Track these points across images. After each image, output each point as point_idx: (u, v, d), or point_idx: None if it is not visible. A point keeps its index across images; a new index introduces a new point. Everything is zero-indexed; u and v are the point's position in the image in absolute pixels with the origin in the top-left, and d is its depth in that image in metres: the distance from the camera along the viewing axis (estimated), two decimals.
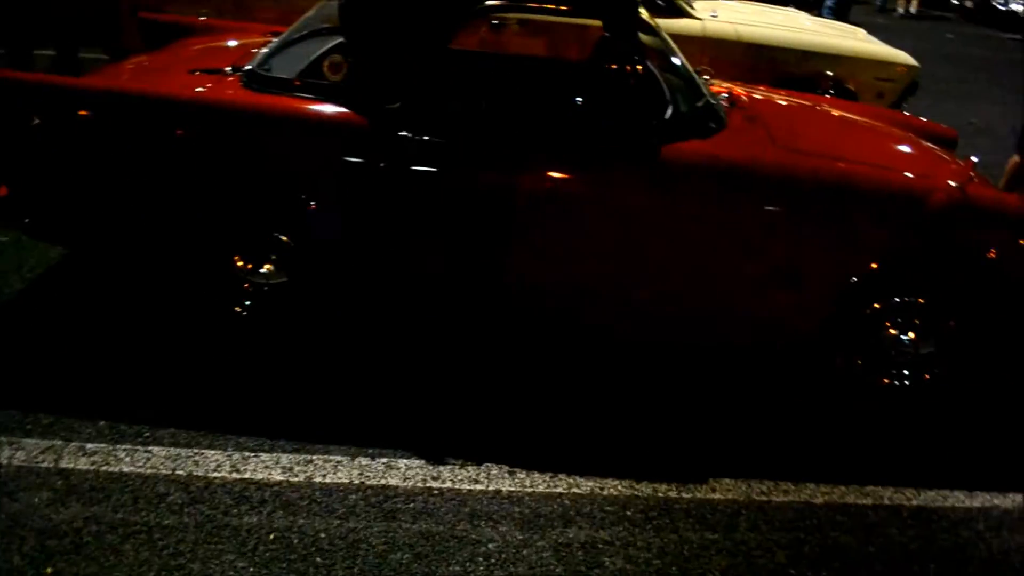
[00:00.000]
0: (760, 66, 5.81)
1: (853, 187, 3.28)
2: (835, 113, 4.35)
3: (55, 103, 3.25)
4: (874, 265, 3.30)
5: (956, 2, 18.68)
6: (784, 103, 4.31)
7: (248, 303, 3.44)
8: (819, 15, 10.62)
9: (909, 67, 6.15)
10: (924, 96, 6.49)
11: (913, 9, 16.65)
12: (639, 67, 3.30)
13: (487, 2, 3.37)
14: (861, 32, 7.11)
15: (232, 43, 4.18)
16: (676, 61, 3.73)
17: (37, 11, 5.75)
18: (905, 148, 3.97)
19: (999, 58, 13.57)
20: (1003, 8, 17.12)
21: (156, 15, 4.74)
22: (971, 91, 10.52)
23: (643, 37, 3.44)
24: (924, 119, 4.67)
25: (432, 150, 3.19)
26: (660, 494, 2.90)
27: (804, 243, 3.29)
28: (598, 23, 3.97)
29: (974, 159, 3.57)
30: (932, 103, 8.06)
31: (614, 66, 3.55)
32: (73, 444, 2.87)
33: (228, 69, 3.56)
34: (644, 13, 3.59)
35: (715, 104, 3.62)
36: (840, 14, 11.05)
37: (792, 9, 8.37)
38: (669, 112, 3.35)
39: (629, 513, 2.80)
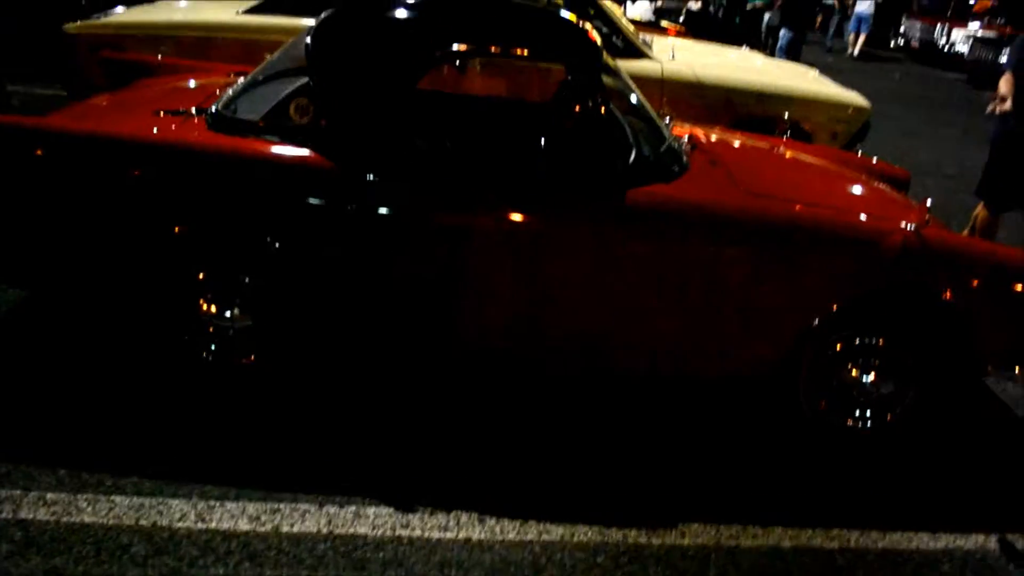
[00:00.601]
0: (718, 107, 5.89)
1: (813, 230, 3.34)
2: (793, 155, 4.43)
3: (20, 144, 3.18)
4: (834, 307, 3.35)
5: (902, 43, 19.25)
6: (744, 146, 4.39)
7: (213, 347, 3.39)
8: (771, 55, 10.91)
9: (862, 108, 6.29)
10: (874, 134, 6.65)
11: (856, 52, 17.12)
12: (602, 110, 3.33)
13: (452, 46, 3.40)
14: (813, 73, 7.26)
15: (196, 83, 4.16)
16: (638, 104, 3.79)
17: None
18: (862, 190, 4.06)
19: (944, 98, 14.00)
20: (946, 52, 17.68)
21: (119, 54, 4.72)
22: (920, 130, 10.80)
23: (605, 79, 3.47)
24: (876, 159, 4.77)
25: (396, 192, 3.20)
26: (630, 540, 2.90)
27: (766, 286, 3.33)
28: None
29: (928, 201, 3.65)
30: (882, 143, 8.27)
31: (577, 109, 3.59)
32: (33, 494, 2.80)
33: (193, 110, 3.53)
34: (605, 56, 3.63)
35: (677, 148, 3.68)
36: (792, 54, 11.31)
37: (745, 49, 8.55)
38: (632, 156, 3.39)
39: (600, 560, 2.80)
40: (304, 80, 3.35)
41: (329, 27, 3.45)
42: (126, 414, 3.26)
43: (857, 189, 4.07)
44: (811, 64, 8.67)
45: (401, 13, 3.52)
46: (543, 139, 3.96)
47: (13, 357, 3.60)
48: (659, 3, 13.36)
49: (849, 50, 17.27)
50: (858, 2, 17.15)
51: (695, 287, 3.32)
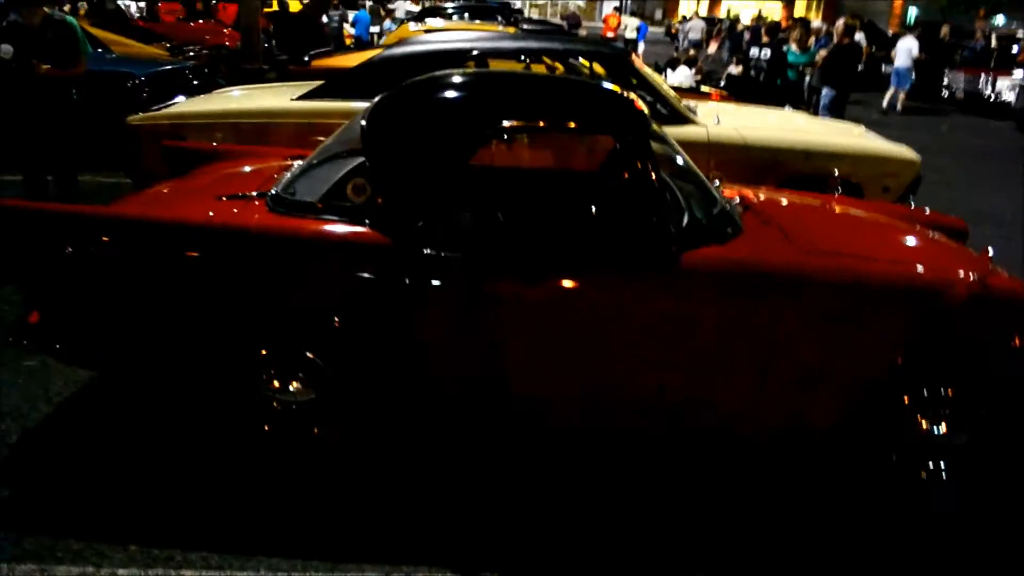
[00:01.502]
0: (766, 168, 5.89)
1: (873, 284, 3.32)
2: (846, 211, 4.41)
3: (90, 232, 3.32)
4: (899, 360, 3.31)
5: (946, 95, 19.13)
6: (795, 204, 4.38)
7: (277, 420, 3.45)
8: (815, 114, 10.91)
9: (911, 161, 6.24)
10: (926, 186, 6.58)
11: (899, 106, 17.02)
12: (652, 176, 3.35)
13: (502, 123, 3.46)
14: (860, 129, 7.24)
15: (254, 168, 4.30)
16: (688, 169, 3.81)
17: (46, 137, 5.97)
18: (919, 242, 4.02)
19: (995, 146, 13.81)
20: (993, 101, 17.53)
21: (179, 143, 4.90)
22: (973, 179, 10.65)
23: (654, 145, 3.48)
24: (929, 211, 4.71)
25: (452, 265, 3.26)
26: None
27: (828, 342, 3.30)
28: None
29: (990, 250, 3.60)
30: (935, 193, 8.18)
31: (628, 176, 3.62)
32: (104, 570, 2.85)
33: (254, 194, 3.65)
34: (653, 124, 3.68)
35: (730, 209, 3.68)
36: (836, 112, 11.29)
37: (788, 109, 8.58)
38: (685, 220, 3.41)
39: None
40: (360, 161, 3.46)
41: (383, 109, 3.57)
42: (193, 488, 3.31)
43: (914, 241, 4.03)
44: (856, 120, 8.65)
45: (451, 94, 3.63)
46: (597, 208, 4.01)
47: (82, 436, 3.67)
48: (699, 71, 13.50)
49: (887, 104, 17.17)
50: (896, 58, 17.14)
51: (755, 346, 3.30)
